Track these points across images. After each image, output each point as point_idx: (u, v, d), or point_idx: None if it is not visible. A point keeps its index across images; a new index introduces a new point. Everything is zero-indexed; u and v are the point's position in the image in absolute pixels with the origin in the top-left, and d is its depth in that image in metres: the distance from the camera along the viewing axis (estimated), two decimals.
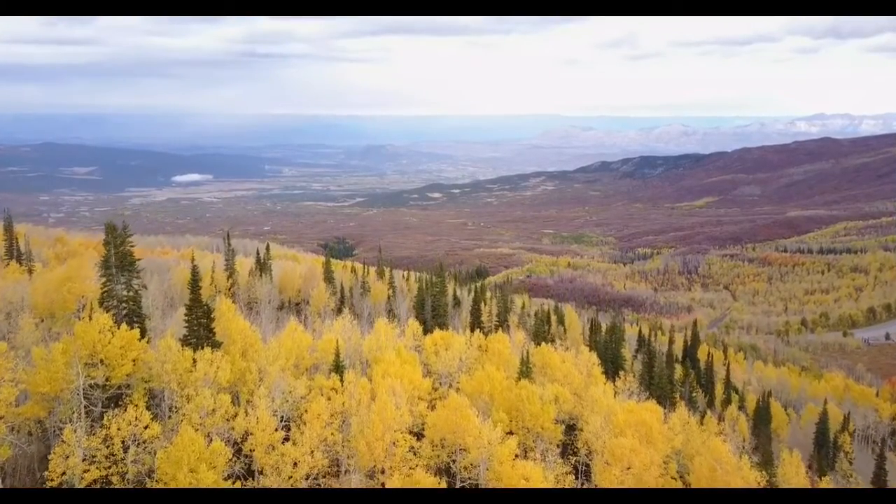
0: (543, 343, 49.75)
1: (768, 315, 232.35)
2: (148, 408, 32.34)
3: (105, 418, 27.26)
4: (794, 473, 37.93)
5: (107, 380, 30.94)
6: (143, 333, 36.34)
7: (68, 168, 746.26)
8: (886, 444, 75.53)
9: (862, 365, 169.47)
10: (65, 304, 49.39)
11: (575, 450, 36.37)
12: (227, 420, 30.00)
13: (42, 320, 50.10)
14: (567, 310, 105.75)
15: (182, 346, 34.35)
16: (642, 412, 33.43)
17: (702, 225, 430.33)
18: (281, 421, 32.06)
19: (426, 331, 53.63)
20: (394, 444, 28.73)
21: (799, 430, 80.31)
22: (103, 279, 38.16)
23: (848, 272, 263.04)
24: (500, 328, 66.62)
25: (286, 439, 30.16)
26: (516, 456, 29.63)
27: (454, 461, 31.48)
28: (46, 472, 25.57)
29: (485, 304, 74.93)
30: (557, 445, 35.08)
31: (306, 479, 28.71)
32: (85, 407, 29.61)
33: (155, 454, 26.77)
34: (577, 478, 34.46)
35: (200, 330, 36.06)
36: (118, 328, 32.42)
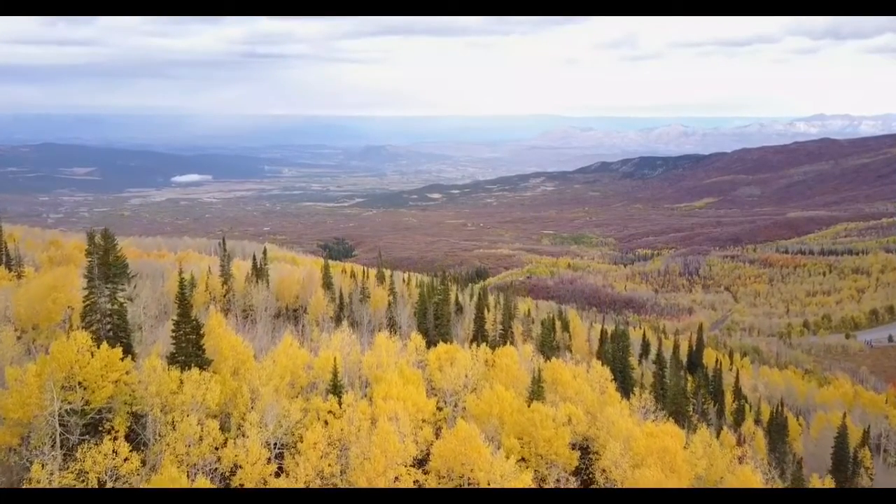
0: (554, 358, 47.28)
1: (770, 317, 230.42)
2: (132, 432, 30.03)
3: (79, 451, 24.85)
4: None
5: (86, 403, 28.53)
6: (127, 350, 33.93)
7: (68, 168, 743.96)
8: None
9: (865, 368, 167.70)
10: (49, 315, 46.83)
11: (591, 474, 33.97)
12: (216, 449, 27.60)
13: (25, 332, 47.73)
14: (571, 315, 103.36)
15: (168, 364, 31.99)
16: (664, 438, 31.04)
17: (702, 226, 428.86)
18: (274, 448, 29.67)
19: (429, 342, 51.25)
20: (396, 479, 26.29)
21: (810, 441, 78.00)
22: (86, 291, 35.75)
23: (849, 274, 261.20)
24: (505, 337, 64.24)
25: (280, 469, 27.79)
26: None
27: None
28: None
29: (488, 311, 72.58)
30: (573, 473, 32.70)
31: None
32: (60, 434, 27.17)
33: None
34: None
35: (189, 347, 33.63)
36: (100, 346, 30.06)
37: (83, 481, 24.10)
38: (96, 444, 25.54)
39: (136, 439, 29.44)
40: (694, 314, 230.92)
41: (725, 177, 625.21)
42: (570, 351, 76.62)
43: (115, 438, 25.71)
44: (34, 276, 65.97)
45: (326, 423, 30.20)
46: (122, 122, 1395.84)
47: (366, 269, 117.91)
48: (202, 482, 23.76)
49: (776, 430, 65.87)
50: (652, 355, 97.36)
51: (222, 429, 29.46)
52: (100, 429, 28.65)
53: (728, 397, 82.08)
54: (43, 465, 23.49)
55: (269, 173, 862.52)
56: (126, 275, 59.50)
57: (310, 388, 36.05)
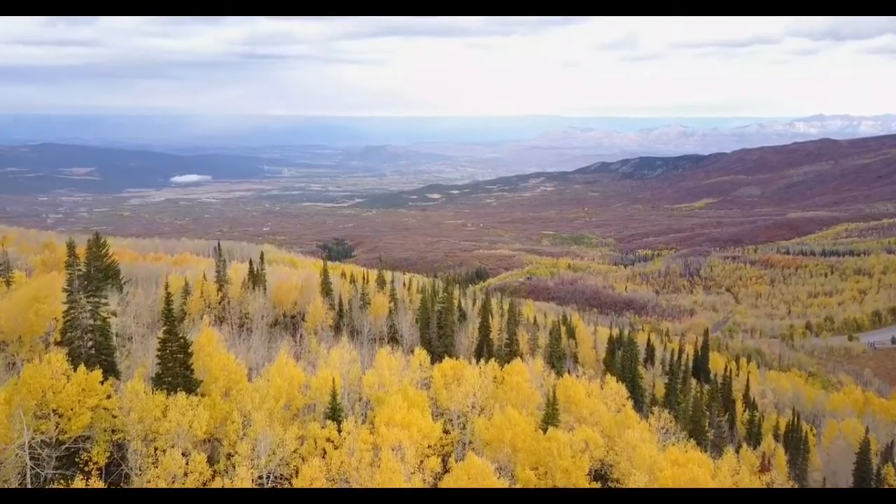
0: (566, 374, 44.86)
1: (771, 318, 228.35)
2: (112, 464, 27.55)
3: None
4: None
5: (61, 433, 26.07)
6: (110, 370, 31.51)
7: (67, 169, 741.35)
8: None
9: (869, 370, 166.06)
10: (32, 327, 44.13)
11: None
12: (203, 484, 25.13)
13: (8, 344, 45.19)
14: (576, 321, 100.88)
15: (154, 387, 29.53)
16: (692, 467, 28.58)
17: (702, 226, 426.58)
18: (268, 480, 27.23)
19: (432, 354, 48.75)
20: None
21: (823, 451, 75.64)
22: (65, 306, 33.28)
23: (851, 275, 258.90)
24: (511, 346, 61.83)
25: None
26: None
27: None
28: None
29: (492, 318, 70.14)
30: None
31: None
32: (31, 469, 24.71)
33: None
34: None
35: (176, 367, 31.19)
36: (77, 367, 27.62)
37: None
38: (69, 480, 23.13)
39: (116, 471, 27.00)
40: (695, 315, 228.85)
41: (725, 177, 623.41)
42: (577, 360, 74.26)
43: (90, 473, 23.22)
44: (23, 283, 63.35)
45: (325, 452, 27.74)
46: (121, 123, 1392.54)
47: (365, 271, 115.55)
48: None
49: (793, 444, 63.50)
50: (657, 361, 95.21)
51: (210, 460, 27.01)
52: (76, 460, 26.21)
53: (738, 406, 79.72)
54: None
55: (268, 173, 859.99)
56: (117, 282, 57.17)
57: (307, 411, 33.61)
